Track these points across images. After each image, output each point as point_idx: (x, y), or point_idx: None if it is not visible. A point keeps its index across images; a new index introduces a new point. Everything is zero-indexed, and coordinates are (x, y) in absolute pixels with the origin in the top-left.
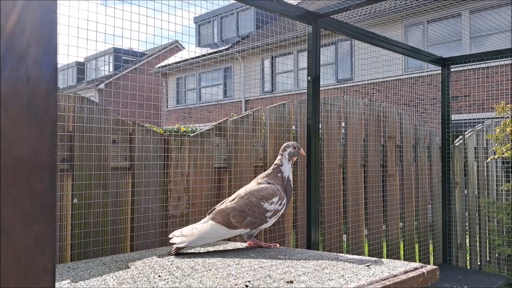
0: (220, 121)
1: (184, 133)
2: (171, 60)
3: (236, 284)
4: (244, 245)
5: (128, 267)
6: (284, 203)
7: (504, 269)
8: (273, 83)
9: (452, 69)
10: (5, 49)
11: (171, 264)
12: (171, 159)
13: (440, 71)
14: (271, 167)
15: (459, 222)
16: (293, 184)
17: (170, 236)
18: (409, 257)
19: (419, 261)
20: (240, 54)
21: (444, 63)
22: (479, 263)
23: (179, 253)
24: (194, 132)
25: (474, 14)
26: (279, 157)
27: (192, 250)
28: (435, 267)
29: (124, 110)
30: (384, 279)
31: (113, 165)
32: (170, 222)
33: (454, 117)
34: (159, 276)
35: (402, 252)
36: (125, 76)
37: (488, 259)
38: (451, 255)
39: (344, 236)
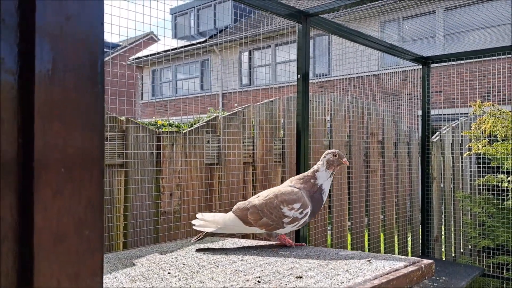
0: (211, 117)
1: (178, 130)
2: (146, 52)
3: (248, 280)
4: (243, 241)
5: (134, 264)
6: (307, 213)
7: (476, 260)
8: (250, 78)
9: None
10: (54, 59)
11: (176, 261)
12: (165, 156)
13: (415, 68)
14: (308, 171)
15: (436, 215)
16: (282, 181)
17: (198, 217)
18: (389, 250)
19: (398, 253)
20: (217, 47)
21: (424, 61)
22: (453, 255)
23: (201, 243)
24: (172, 126)
25: (448, 11)
26: (319, 162)
27: (192, 247)
28: (431, 261)
29: None
30: (387, 273)
31: (106, 163)
32: (163, 219)
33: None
34: (168, 273)
35: (382, 244)
36: None
37: (462, 250)
38: (429, 247)
39: (329, 228)
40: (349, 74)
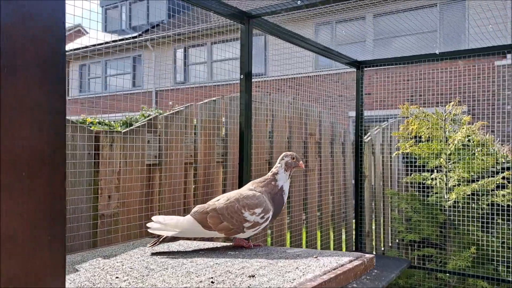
0: (152, 116)
1: (116, 130)
2: (74, 45)
3: (201, 281)
4: (189, 243)
5: (77, 270)
6: (268, 217)
7: (403, 253)
8: (185, 76)
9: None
10: (4, 65)
11: (123, 265)
12: (103, 156)
13: (347, 70)
14: (267, 174)
15: (367, 212)
16: (224, 181)
17: (153, 220)
18: (325, 246)
19: (334, 249)
20: (150, 42)
21: (358, 65)
22: (383, 249)
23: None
24: (101, 124)
25: (377, 18)
26: (276, 165)
27: (136, 250)
28: (372, 255)
29: None
30: (335, 269)
31: None
32: (101, 222)
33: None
34: (116, 277)
35: (319, 241)
36: None
37: (390, 244)
38: (362, 242)
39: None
40: (284, 75)
